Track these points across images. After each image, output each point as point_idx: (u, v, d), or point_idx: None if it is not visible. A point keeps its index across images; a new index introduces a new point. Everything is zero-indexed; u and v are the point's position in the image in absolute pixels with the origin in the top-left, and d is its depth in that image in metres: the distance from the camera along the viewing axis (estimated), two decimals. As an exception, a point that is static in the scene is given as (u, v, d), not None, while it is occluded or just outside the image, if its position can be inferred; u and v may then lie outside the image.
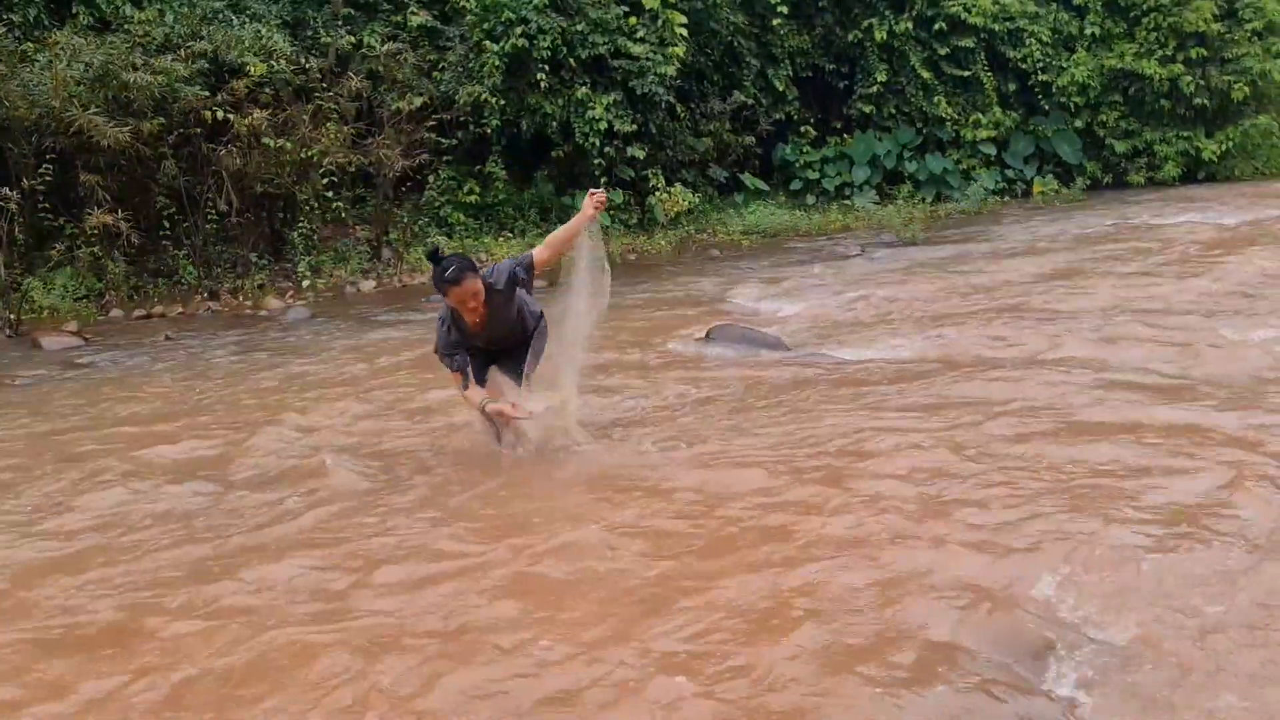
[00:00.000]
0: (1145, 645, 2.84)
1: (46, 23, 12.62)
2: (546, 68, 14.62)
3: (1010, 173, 20.11)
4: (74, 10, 12.75)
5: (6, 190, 10.56)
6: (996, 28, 19.46)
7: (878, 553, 3.45)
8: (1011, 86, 20.11)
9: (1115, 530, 3.51)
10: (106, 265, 11.65)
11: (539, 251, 4.67)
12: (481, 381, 4.84)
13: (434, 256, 4.55)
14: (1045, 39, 19.95)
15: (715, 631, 2.98)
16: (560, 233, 4.69)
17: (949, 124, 19.58)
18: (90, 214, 11.18)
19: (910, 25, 19.01)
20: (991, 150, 19.85)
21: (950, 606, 3.05)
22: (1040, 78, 20.00)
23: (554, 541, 3.73)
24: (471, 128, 14.99)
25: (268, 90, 12.70)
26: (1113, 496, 3.82)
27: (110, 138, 11.02)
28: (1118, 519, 3.60)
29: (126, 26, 12.53)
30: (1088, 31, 20.14)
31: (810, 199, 18.77)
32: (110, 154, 11.42)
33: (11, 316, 10.30)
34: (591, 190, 4.58)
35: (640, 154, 15.54)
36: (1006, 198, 19.66)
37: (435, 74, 14.88)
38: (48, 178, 11.14)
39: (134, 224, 11.53)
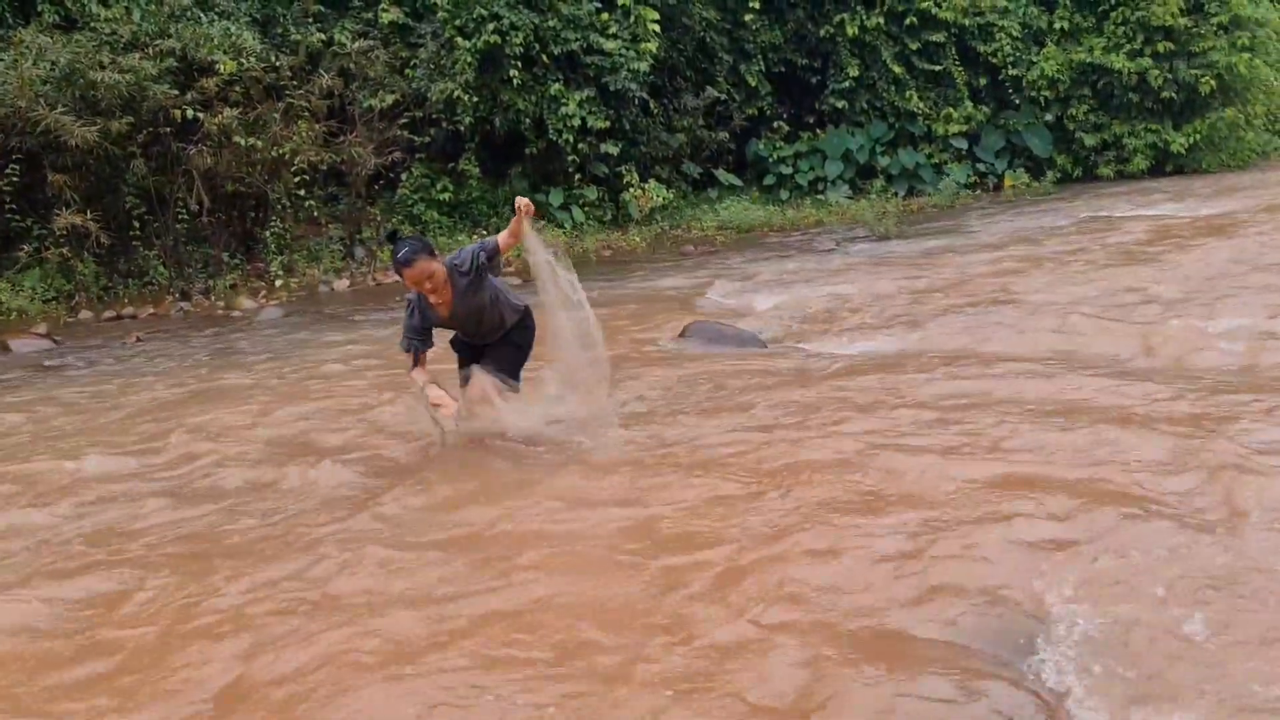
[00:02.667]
0: (1131, 632, 2.86)
1: (11, 21, 12.47)
2: (519, 64, 14.59)
3: (982, 166, 20.27)
4: (39, 8, 12.59)
5: (-28, 191, 10.45)
6: (967, 22, 19.61)
7: (860, 549, 3.46)
8: (982, 81, 20.26)
9: (1102, 520, 3.53)
10: (75, 266, 11.53)
11: (502, 236, 4.69)
12: (465, 378, 4.89)
13: (392, 237, 4.73)
14: (1015, 34, 20.12)
15: (697, 629, 2.99)
16: (511, 226, 4.68)
17: (921, 118, 19.72)
18: (58, 214, 11.08)
19: (881, 20, 19.11)
20: (963, 144, 20.00)
21: (936, 600, 3.08)
22: (1010, 72, 20.17)
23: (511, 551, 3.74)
24: (444, 125, 14.94)
25: (238, 88, 12.60)
26: (1094, 486, 3.85)
27: (78, 137, 10.91)
28: (1103, 508, 3.62)
29: (93, 24, 12.38)
30: (1057, 26, 20.32)
31: (784, 194, 18.83)
32: (78, 153, 11.31)
33: (-21, 319, 10.20)
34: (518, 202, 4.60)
35: (614, 150, 15.55)
36: (978, 191, 19.81)
37: (407, 71, 14.81)
38: (14, 178, 11.03)
39: (103, 224, 11.44)
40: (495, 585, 3.40)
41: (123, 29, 12.36)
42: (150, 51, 12.13)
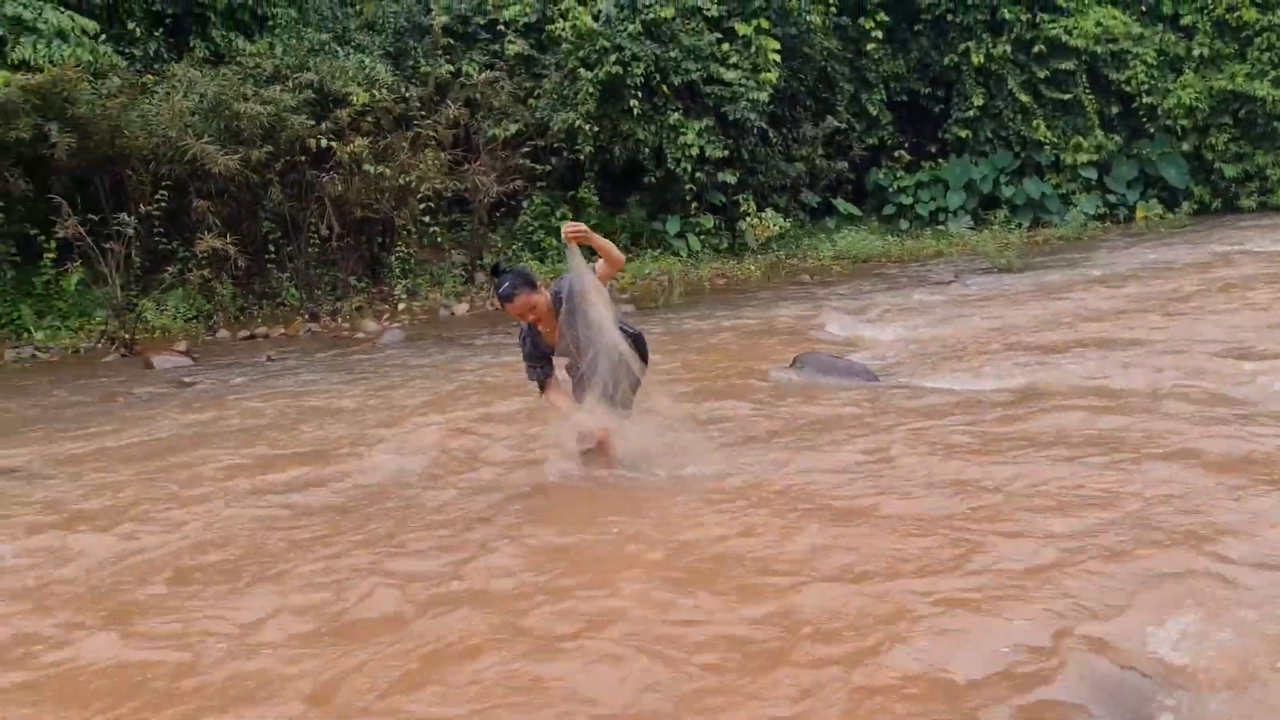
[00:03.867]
0: (1259, 696, 2.73)
1: (166, 56, 13.27)
2: (640, 94, 14.82)
3: (1112, 197, 19.62)
4: (191, 44, 13.39)
5: (125, 216, 11.09)
6: (1099, 50, 19.04)
7: (972, 595, 3.38)
8: (1114, 109, 19.64)
9: (1226, 574, 3.37)
10: (215, 287, 12.13)
11: (600, 265, 4.71)
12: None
13: (495, 270, 4.73)
14: (1150, 60, 19.44)
15: (807, 674, 2.97)
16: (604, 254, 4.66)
17: (1048, 148, 19.20)
18: (201, 238, 11.67)
19: (1008, 48, 18.73)
20: (1093, 174, 19.40)
21: (1050, 657, 2.98)
22: (1145, 100, 19.49)
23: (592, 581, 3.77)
24: (565, 154, 15.27)
25: (369, 118, 13.14)
26: (1218, 536, 3.68)
27: (221, 165, 11.52)
28: (1227, 561, 3.46)
29: (239, 59, 13.12)
30: (1195, 53, 19.56)
31: (903, 224, 18.58)
32: (221, 181, 11.94)
33: (126, 336, 10.79)
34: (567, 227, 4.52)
35: (731, 179, 15.61)
36: (1108, 223, 19.18)
37: (531, 101, 15.19)
38: (163, 204, 11.66)
39: (241, 248, 12.00)
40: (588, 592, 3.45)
41: (266, 63, 13.06)
42: (290, 84, 12.76)
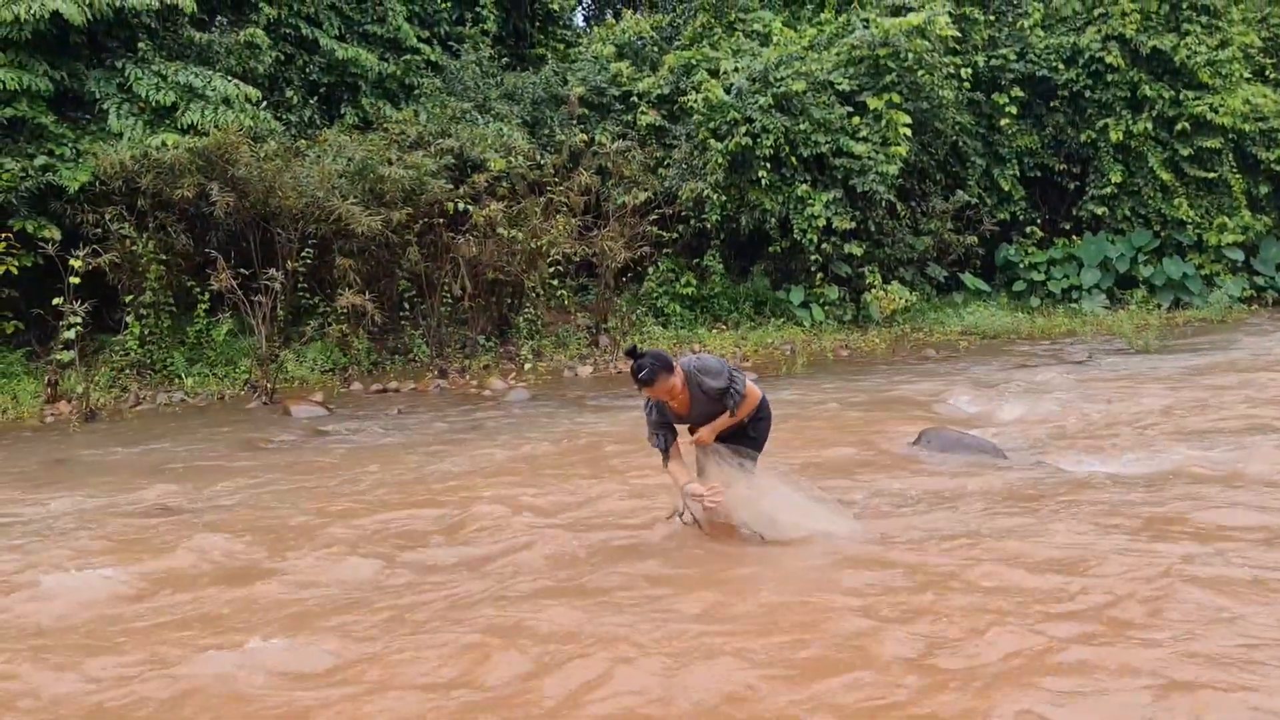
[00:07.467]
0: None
1: (319, 122, 14.07)
2: (768, 165, 14.98)
3: (1260, 280, 18.81)
4: (342, 111, 14.17)
5: (273, 271, 11.68)
6: (1247, 128, 18.39)
7: (1090, 676, 3.28)
8: (1263, 189, 18.89)
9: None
10: (352, 342, 12.63)
11: (748, 403, 4.86)
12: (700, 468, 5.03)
13: (632, 353, 4.75)
14: (1303, 140, 18.69)
15: None
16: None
17: (1190, 227, 18.55)
18: (341, 294, 12.20)
19: (1150, 125, 18.26)
20: (1239, 255, 18.63)
21: None
22: (1297, 180, 18.71)
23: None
24: (692, 222, 15.50)
25: (505, 184, 13.63)
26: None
27: (364, 225, 12.07)
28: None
29: (385, 125, 13.82)
30: (1352, 133, 18.72)
31: (1034, 301, 18.15)
32: (363, 240, 12.49)
33: (269, 385, 11.30)
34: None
35: (858, 251, 15.56)
36: (1254, 306, 18.36)
37: (660, 170, 15.52)
38: (308, 260, 12.26)
39: (378, 305, 12.49)
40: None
41: (410, 130, 13.72)
42: (431, 150, 13.36)
